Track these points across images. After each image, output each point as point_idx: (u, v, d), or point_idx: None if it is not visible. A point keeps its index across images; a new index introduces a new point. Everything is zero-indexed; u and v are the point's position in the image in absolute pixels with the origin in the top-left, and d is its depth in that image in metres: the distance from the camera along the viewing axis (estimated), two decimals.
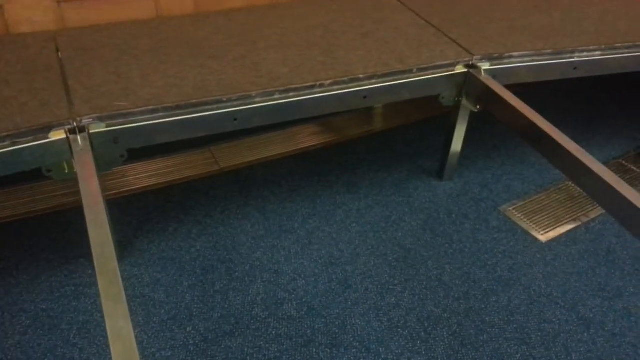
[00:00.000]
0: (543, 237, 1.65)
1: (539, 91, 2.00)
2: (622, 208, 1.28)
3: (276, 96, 1.42)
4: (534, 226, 1.69)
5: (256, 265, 1.52)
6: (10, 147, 1.20)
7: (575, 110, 2.25)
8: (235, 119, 1.39)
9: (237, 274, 1.49)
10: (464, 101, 1.67)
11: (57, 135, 1.24)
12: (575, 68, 1.73)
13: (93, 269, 1.47)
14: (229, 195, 1.76)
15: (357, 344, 1.31)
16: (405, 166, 1.92)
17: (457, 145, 1.78)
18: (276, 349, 1.29)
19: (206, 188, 1.79)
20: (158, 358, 1.26)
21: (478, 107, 1.63)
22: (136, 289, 1.42)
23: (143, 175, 1.83)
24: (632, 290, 1.48)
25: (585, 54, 1.73)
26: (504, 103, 1.54)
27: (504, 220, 1.71)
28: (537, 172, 1.90)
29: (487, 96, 1.60)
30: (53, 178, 1.29)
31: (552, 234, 1.66)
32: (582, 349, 1.33)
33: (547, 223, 1.70)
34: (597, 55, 1.73)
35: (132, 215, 1.66)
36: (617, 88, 2.39)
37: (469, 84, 1.64)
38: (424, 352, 1.30)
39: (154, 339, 1.30)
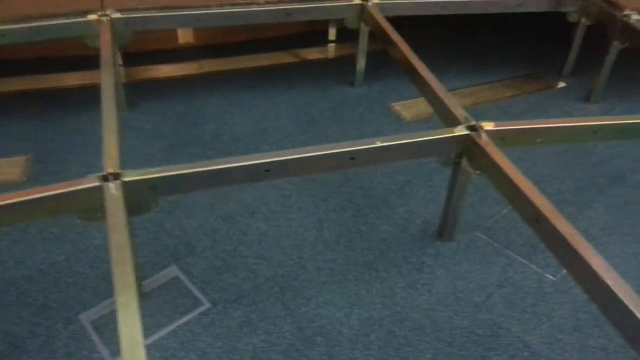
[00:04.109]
0: (408, 119, 2.42)
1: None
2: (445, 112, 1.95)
3: (226, 7, 2.25)
4: (405, 114, 2.46)
5: (211, 120, 2.35)
6: (65, 19, 2.07)
7: (463, 53, 3.00)
8: (198, 20, 2.24)
9: (198, 122, 2.33)
10: (362, 26, 2.45)
11: (92, 17, 2.11)
12: (443, 7, 2.49)
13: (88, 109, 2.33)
14: (202, 87, 2.60)
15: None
16: (332, 79, 2.71)
17: (362, 57, 2.56)
18: (214, 154, 2.13)
19: (190, 82, 2.64)
20: (140, 154, 2.11)
21: (369, 28, 2.42)
22: (132, 123, 2.28)
23: (149, 74, 2.69)
24: None
25: None
26: (380, 29, 2.30)
27: (386, 110, 2.49)
28: None
29: (372, 21, 2.37)
30: (87, 44, 2.15)
31: (415, 117, 2.43)
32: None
33: (415, 113, 2.47)
34: None
35: (132, 94, 2.52)
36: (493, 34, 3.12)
37: (363, 13, 2.42)
38: None
39: (140, 146, 2.15)
